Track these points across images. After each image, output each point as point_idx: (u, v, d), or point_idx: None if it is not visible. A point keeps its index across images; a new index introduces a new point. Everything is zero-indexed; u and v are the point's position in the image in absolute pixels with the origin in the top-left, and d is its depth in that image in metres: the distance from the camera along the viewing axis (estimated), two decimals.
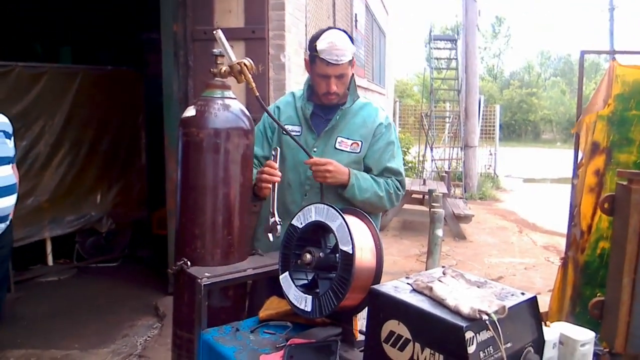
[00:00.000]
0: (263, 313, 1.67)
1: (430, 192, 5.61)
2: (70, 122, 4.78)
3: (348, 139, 2.07)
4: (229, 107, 1.74)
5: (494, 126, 13.35)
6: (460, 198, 8.94)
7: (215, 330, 1.60)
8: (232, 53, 1.73)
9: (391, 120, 2.22)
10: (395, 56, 13.69)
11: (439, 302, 1.15)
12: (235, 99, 1.78)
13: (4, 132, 2.78)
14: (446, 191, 7.29)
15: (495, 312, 1.09)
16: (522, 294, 1.24)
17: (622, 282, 1.31)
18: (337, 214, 1.42)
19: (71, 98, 4.76)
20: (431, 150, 10.89)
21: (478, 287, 1.27)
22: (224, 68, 1.75)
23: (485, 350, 1.08)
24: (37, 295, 4.31)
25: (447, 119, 12.62)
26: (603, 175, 3.15)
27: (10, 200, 2.75)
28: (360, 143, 2.08)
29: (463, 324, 1.06)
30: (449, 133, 12.14)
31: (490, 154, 12.89)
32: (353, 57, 2.04)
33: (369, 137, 2.09)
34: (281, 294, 1.55)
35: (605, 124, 3.13)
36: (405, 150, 12.63)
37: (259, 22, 3.72)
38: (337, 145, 2.05)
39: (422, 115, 11.38)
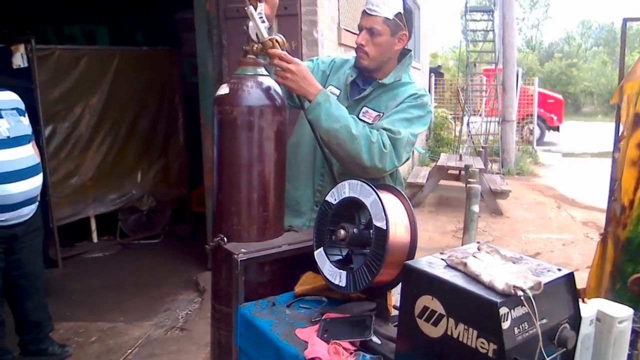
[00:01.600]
0: (299, 288, 1.69)
1: (467, 167, 5.54)
2: (110, 103, 4.91)
3: (374, 110, 1.97)
4: (261, 84, 1.73)
5: (532, 99, 12.99)
6: (497, 173, 8.78)
7: (252, 305, 1.63)
8: (264, 29, 1.72)
9: (428, 100, 2.02)
10: (431, 30, 13.39)
11: (473, 278, 1.14)
12: (267, 75, 1.78)
13: (17, 109, 2.79)
14: (482, 166, 7.18)
15: (531, 288, 1.07)
16: (559, 269, 1.22)
17: None
18: (371, 189, 1.42)
19: (110, 79, 4.88)
20: (467, 125, 10.69)
21: (513, 262, 1.25)
22: (257, 45, 1.74)
23: (520, 326, 1.07)
24: (84, 271, 4.52)
25: (484, 93, 12.32)
26: None
27: (37, 181, 2.78)
28: (383, 115, 1.95)
29: (497, 299, 1.05)
30: (486, 107, 11.87)
31: (529, 130, 12.58)
32: (402, 29, 1.94)
33: (394, 106, 1.95)
34: (317, 270, 1.56)
35: None
36: (442, 125, 12.45)
37: None
38: (361, 116, 1.94)
39: (457, 89, 11.15)
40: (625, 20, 3.11)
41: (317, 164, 2.05)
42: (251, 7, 1.73)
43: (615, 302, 1.76)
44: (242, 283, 1.64)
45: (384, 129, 1.85)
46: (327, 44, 3.99)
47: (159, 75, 5.32)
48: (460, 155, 8.18)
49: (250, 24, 1.74)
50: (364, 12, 1.94)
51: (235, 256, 1.62)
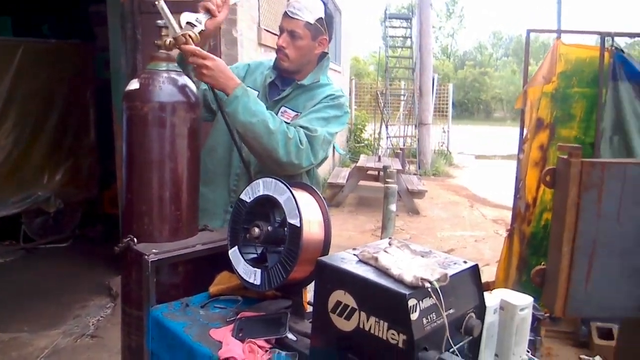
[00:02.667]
0: (213, 288, 1.66)
1: (385, 168, 5.69)
2: (13, 97, 4.59)
3: (292, 110, 1.99)
4: (174, 80, 1.69)
5: (447, 104, 13.60)
6: (415, 174, 9.12)
7: (165, 307, 1.58)
8: (176, 24, 1.68)
9: (345, 102, 2.06)
10: (352, 35, 13.67)
11: (384, 272, 1.17)
12: (181, 72, 1.74)
13: None
14: (400, 167, 7.41)
15: (437, 280, 1.12)
16: (464, 262, 1.27)
17: (562, 250, 1.37)
18: (285, 187, 1.42)
19: (13, 72, 4.56)
20: (386, 127, 11.01)
21: (422, 256, 1.29)
22: (169, 40, 1.70)
23: (428, 317, 1.10)
24: None
25: (402, 97, 12.75)
26: (547, 150, 3.29)
27: None
28: (301, 114, 1.97)
29: (406, 291, 1.08)
30: (403, 111, 12.28)
31: (444, 132, 13.16)
32: (322, 33, 1.98)
33: (312, 106, 1.97)
34: (232, 270, 1.53)
35: (549, 100, 3.27)
36: (361, 128, 12.75)
37: None
38: (280, 115, 1.95)
39: (377, 93, 11.46)
40: (528, 31, 3.34)
41: (233, 166, 2.03)
42: (162, 2, 1.69)
43: (523, 292, 1.87)
44: (154, 285, 1.59)
45: (301, 126, 1.86)
46: (246, 43, 3.95)
47: (68, 69, 5.04)
48: (379, 157, 8.42)
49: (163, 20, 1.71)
50: (286, 14, 1.95)
51: (146, 257, 1.57)
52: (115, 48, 3.80)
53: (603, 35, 3.12)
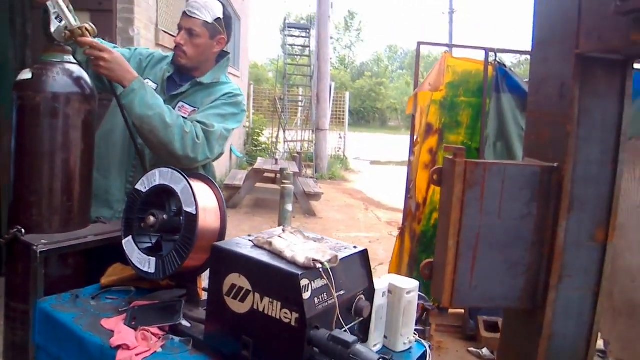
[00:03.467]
0: (105, 279, 1.65)
1: (282, 170, 5.80)
2: None
3: (190, 105, 2.03)
4: (69, 71, 1.68)
5: (344, 111, 14.05)
6: (311, 178, 9.31)
7: (53, 299, 1.56)
8: (71, 17, 1.67)
9: (243, 100, 2.12)
10: (251, 41, 13.72)
11: (278, 255, 1.24)
12: (76, 63, 1.72)
13: None
14: (297, 170, 7.56)
15: (329, 261, 1.20)
16: (354, 247, 1.37)
17: (448, 244, 1.45)
18: (182, 177, 1.45)
19: None
20: (284, 132, 11.16)
21: (315, 242, 1.38)
22: (65, 33, 1.67)
23: (320, 297, 1.18)
24: None
25: (300, 103, 13.00)
26: (436, 154, 3.54)
27: None
28: (198, 110, 2.01)
29: (298, 272, 1.15)
30: (301, 116, 12.52)
31: (340, 138, 13.57)
32: (221, 33, 2.03)
33: (210, 102, 2.02)
34: (125, 262, 1.53)
35: (438, 107, 3.52)
36: (259, 132, 12.80)
37: None
38: (177, 111, 1.97)
39: (275, 99, 11.60)
40: (419, 44, 3.59)
41: (130, 155, 2.02)
42: None
43: (427, 294, 1.98)
44: (42, 276, 1.56)
45: (199, 121, 1.90)
46: (143, 43, 3.88)
47: None
48: (276, 160, 8.51)
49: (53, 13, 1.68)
50: (185, 13, 1.99)
51: (35, 247, 1.54)
52: (3, 42, 3.58)
53: (487, 50, 3.44)
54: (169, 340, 1.35)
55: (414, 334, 1.51)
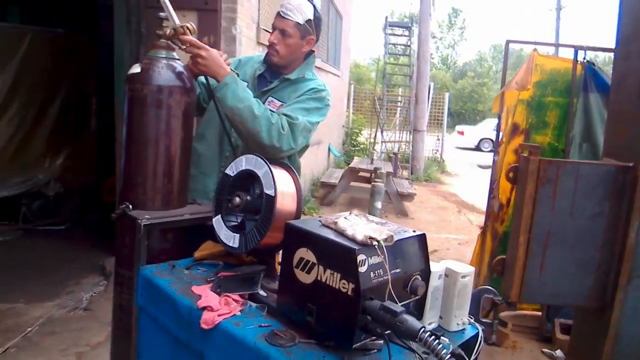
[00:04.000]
0: (198, 253, 1.84)
1: (376, 169, 5.88)
2: (18, 84, 4.78)
3: (278, 100, 2.18)
4: (172, 66, 1.88)
5: (442, 113, 13.82)
6: (407, 179, 9.30)
7: (154, 267, 1.76)
8: (175, 16, 1.88)
9: (327, 95, 2.23)
10: (355, 41, 13.93)
11: (341, 233, 1.35)
12: (179, 59, 1.92)
13: None
14: (392, 170, 7.60)
15: (384, 240, 1.30)
16: (414, 231, 1.46)
17: (519, 240, 1.49)
18: (264, 162, 1.61)
19: (19, 60, 4.76)
20: (382, 132, 11.20)
21: (377, 224, 1.50)
22: (169, 31, 1.89)
23: (376, 272, 1.27)
24: None
25: (399, 104, 12.97)
26: (521, 154, 3.47)
27: None
28: (285, 104, 2.15)
29: (356, 247, 1.26)
30: (399, 117, 12.50)
31: (438, 139, 13.35)
32: (310, 33, 2.17)
33: (296, 97, 2.15)
34: (215, 239, 1.71)
35: (525, 107, 3.46)
36: (358, 132, 12.94)
37: None
38: (266, 105, 2.12)
39: (374, 98, 11.67)
40: (507, 42, 3.54)
41: (222, 152, 2.22)
42: None
43: (494, 288, 2.01)
44: (145, 246, 1.77)
45: (284, 114, 2.06)
46: (245, 41, 4.14)
47: (73, 59, 5.24)
48: (372, 159, 8.59)
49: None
50: (278, 14, 2.17)
51: (139, 221, 1.76)
52: (120, 40, 3.98)
53: (577, 49, 3.34)
54: (247, 306, 1.51)
55: (469, 317, 1.57)
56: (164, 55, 1.89)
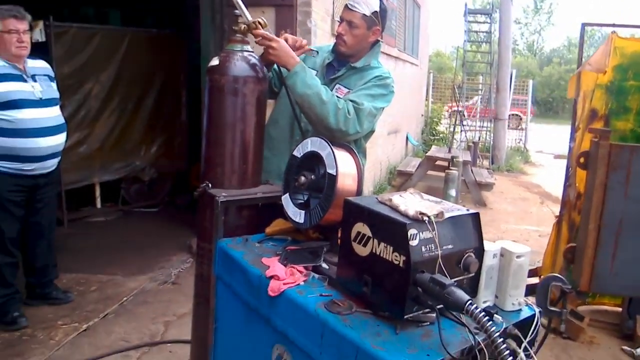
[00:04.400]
0: (269, 229, 2.00)
1: (453, 158, 5.86)
2: (119, 79, 5.24)
3: (345, 87, 2.29)
4: (246, 58, 2.04)
5: (526, 101, 13.31)
6: (487, 168, 9.10)
7: (229, 240, 1.93)
8: (247, 13, 2.05)
9: (392, 82, 2.33)
10: (435, 29, 13.71)
11: (394, 209, 1.44)
12: (252, 52, 2.09)
13: (48, 75, 3.18)
14: (470, 160, 7.49)
15: (435, 216, 1.37)
16: (467, 210, 1.50)
17: (589, 228, 1.50)
18: (327, 144, 1.73)
19: (120, 57, 5.22)
20: (461, 121, 11.00)
21: (430, 202, 1.58)
22: (243, 26, 2.06)
23: (427, 246, 1.34)
24: (86, 232, 4.89)
25: (479, 92, 12.65)
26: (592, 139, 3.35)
27: (62, 138, 3.17)
28: (352, 91, 2.26)
29: (407, 221, 1.33)
30: (480, 105, 12.20)
31: (521, 128, 12.88)
32: (376, 24, 2.28)
33: (362, 84, 2.27)
34: (285, 217, 1.86)
35: (604, 92, 3.32)
36: (437, 120, 12.76)
37: None
38: (334, 92, 2.24)
39: (454, 86, 11.47)
40: (583, 25, 3.42)
41: (294, 134, 2.37)
42: None
43: (569, 278, 1.95)
44: (222, 221, 1.95)
45: (351, 100, 2.18)
46: (320, 34, 4.29)
47: (165, 56, 5.65)
48: (450, 148, 8.49)
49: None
50: (346, 7, 2.30)
51: (217, 198, 1.95)
52: (206, 37, 4.29)
53: None
54: (310, 277, 1.63)
55: (526, 298, 1.59)
56: (239, 49, 2.06)
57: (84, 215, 5.27)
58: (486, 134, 11.11)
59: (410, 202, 1.51)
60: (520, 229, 6.18)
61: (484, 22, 12.57)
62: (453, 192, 4.62)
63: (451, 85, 12.81)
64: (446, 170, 4.82)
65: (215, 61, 2.08)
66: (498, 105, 10.46)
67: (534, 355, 1.43)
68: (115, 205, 5.63)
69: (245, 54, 2.07)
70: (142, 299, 3.61)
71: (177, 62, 5.83)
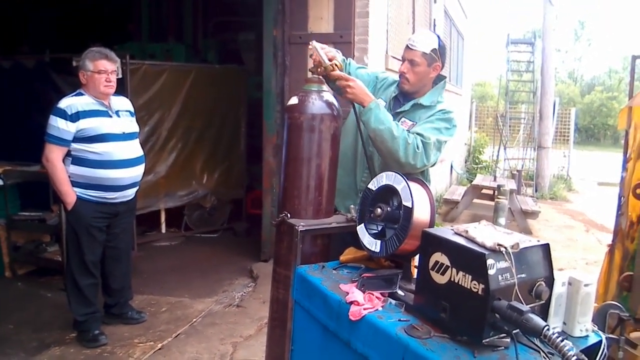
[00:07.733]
0: (343, 257, 2.12)
1: (499, 186, 5.89)
2: (184, 111, 5.52)
3: (410, 120, 2.42)
4: (323, 97, 2.18)
5: (569, 128, 13.17)
6: (531, 196, 9.03)
7: (307, 267, 2.04)
8: (325, 58, 2.22)
9: (453, 117, 2.45)
10: (475, 59, 13.80)
11: (471, 240, 1.54)
12: (328, 91, 2.24)
13: (130, 111, 3.42)
14: (515, 188, 7.48)
15: (511, 247, 1.46)
16: (538, 241, 1.60)
17: None
18: (402, 178, 1.85)
19: (185, 91, 5.50)
20: (505, 149, 10.97)
21: (503, 233, 1.69)
22: (320, 69, 2.23)
23: (503, 275, 1.42)
24: (154, 256, 5.15)
25: (522, 120, 12.61)
26: None
27: (141, 169, 3.40)
28: (416, 124, 2.38)
29: (485, 252, 1.43)
30: (523, 134, 12.14)
31: (564, 156, 12.73)
32: (436, 61, 2.42)
33: (426, 118, 2.39)
34: (357, 246, 1.99)
35: None
36: (480, 149, 12.73)
37: (346, 27, 4.26)
38: (399, 124, 2.34)
39: (497, 115, 11.48)
40: (634, 57, 3.47)
41: (364, 159, 2.48)
42: (314, 41, 2.25)
43: (624, 307, 2.01)
44: (300, 250, 2.06)
45: (418, 134, 2.31)
46: (375, 68, 4.49)
47: (227, 89, 5.92)
48: (495, 177, 8.49)
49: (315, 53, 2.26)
50: (407, 47, 2.46)
51: (297, 227, 2.06)
52: (268, 72, 4.53)
53: None
54: (388, 303, 1.72)
55: (593, 325, 1.65)
56: (316, 89, 2.21)
57: (150, 239, 5.55)
58: (529, 161, 11.03)
59: (484, 233, 1.60)
60: (567, 256, 6.14)
61: (524, 52, 12.59)
62: (502, 221, 4.66)
63: (493, 114, 12.81)
64: (496, 199, 4.88)
65: (294, 100, 2.22)
66: (541, 133, 10.41)
67: None
68: (179, 230, 5.88)
69: (322, 93, 2.21)
70: (210, 320, 3.78)
71: (237, 95, 6.10)
